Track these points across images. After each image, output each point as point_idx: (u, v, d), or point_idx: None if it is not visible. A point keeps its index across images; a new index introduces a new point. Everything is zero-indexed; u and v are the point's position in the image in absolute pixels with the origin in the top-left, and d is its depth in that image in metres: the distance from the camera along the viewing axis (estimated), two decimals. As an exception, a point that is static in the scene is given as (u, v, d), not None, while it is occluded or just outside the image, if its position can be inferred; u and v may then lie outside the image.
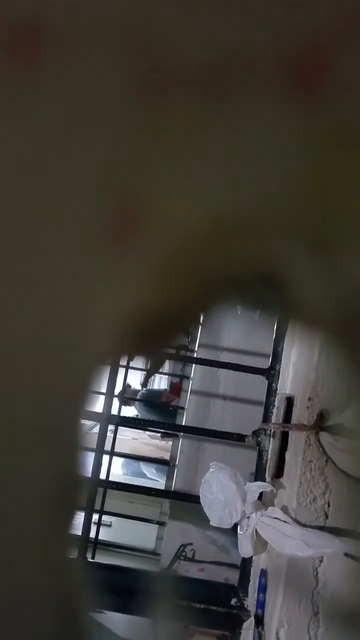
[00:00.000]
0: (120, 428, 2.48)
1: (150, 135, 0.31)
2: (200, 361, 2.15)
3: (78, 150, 0.31)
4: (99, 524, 2.18)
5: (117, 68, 0.31)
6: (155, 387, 3.90)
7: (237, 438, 1.57)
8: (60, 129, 0.31)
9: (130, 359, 2.35)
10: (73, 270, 0.32)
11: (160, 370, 3.42)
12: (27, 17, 0.30)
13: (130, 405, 3.27)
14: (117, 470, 3.34)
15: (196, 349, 2.37)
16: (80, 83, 0.31)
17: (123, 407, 2.95)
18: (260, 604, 1.25)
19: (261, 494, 1.29)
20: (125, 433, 3.43)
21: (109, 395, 1.57)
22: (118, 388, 2.45)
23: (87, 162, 0.31)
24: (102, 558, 1.99)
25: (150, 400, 3.20)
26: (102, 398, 1.58)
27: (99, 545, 2.19)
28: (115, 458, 2.64)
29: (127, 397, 2.98)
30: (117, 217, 0.31)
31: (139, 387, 3.44)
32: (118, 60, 0.31)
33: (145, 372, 3.30)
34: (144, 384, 3.42)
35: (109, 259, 0.32)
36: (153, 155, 0.31)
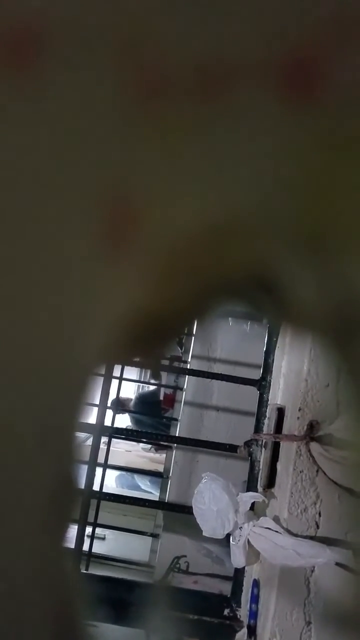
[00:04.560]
0: (114, 440, 2.47)
1: (147, 139, 0.31)
2: (193, 372, 2.16)
3: (75, 154, 0.31)
4: (92, 536, 2.17)
5: (113, 71, 0.31)
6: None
7: (229, 449, 1.58)
8: (57, 133, 0.31)
9: (123, 368, 2.35)
10: (69, 273, 0.32)
11: (154, 381, 3.42)
12: (24, 23, 0.31)
13: (124, 413, 3.26)
14: (111, 483, 3.32)
15: (189, 360, 2.38)
16: (76, 87, 0.31)
17: (116, 415, 2.94)
18: (253, 615, 1.26)
19: (253, 504, 1.30)
20: (118, 445, 3.42)
21: (102, 406, 1.57)
22: (111, 399, 2.44)
23: (84, 166, 0.32)
24: (96, 571, 1.97)
25: (146, 400, 3.18)
26: (95, 410, 1.59)
27: (92, 558, 2.18)
28: (109, 471, 2.62)
29: (121, 402, 2.96)
30: (113, 220, 0.31)
31: (131, 396, 3.44)
32: (114, 64, 0.31)
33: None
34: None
35: (106, 263, 0.32)
36: (149, 159, 0.32)
